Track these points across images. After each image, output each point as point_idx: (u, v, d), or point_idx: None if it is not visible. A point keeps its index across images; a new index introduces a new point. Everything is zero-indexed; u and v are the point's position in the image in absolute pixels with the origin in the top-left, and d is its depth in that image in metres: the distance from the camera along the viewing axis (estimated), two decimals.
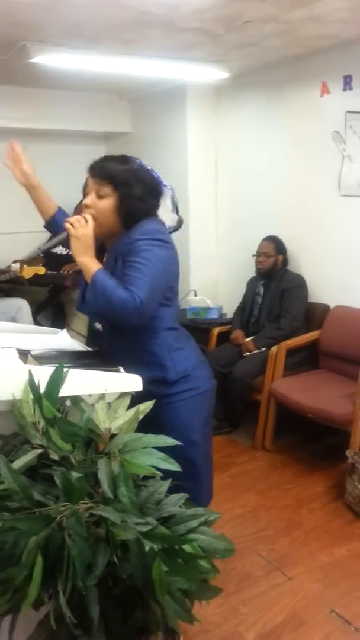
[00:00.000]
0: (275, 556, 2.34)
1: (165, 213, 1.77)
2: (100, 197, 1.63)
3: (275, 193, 3.79)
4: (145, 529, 1.09)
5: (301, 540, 2.45)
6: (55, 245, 1.75)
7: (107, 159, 1.67)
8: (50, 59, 3.01)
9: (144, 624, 1.28)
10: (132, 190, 1.62)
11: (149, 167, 1.72)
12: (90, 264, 1.60)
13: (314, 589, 2.15)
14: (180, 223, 1.85)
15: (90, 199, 1.65)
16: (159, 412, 1.50)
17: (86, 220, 1.61)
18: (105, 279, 1.56)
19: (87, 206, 1.65)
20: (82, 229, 1.59)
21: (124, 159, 1.67)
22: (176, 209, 1.82)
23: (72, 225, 1.60)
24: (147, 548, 1.06)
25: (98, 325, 1.81)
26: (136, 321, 1.56)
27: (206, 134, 4.17)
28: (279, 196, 3.76)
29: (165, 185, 1.75)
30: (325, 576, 2.21)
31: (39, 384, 1.26)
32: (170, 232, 1.80)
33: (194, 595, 1.15)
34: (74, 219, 1.61)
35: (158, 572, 1.06)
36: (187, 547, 1.17)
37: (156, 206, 1.72)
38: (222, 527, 2.46)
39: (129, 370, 1.52)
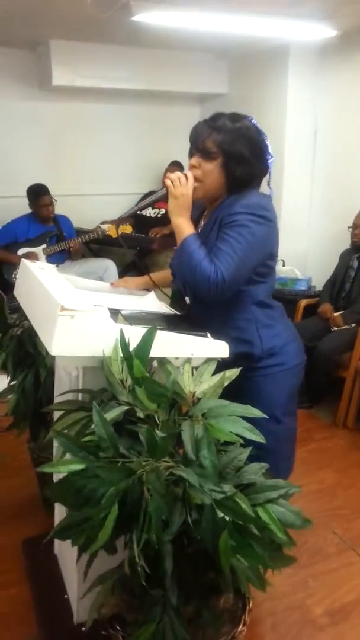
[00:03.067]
0: (349, 535, 2.30)
1: (263, 184, 1.69)
2: (207, 156, 1.57)
3: None
4: (219, 496, 1.09)
5: None
6: (153, 203, 1.72)
7: (217, 116, 1.59)
8: (151, 17, 2.97)
9: (215, 584, 1.31)
10: (241, 152, 1.55)
11: (260, 129, 1.63)
12: (184, 226, 1.56)
13: None
14: (270, 198, 1.74)
15: (196, 159, 1.59)
16: (243, 383, 1.48)
17: (187, 179, 1.56)
18: (195, 246, 1.52)
19: (193, 166, 1.59)
20: (181, 188, 1.55)
21: (235, 117, 1.59)
22: (268, 181, 1.73)
23: (172, 183, 1.56)
24: (220, 516, 1.07)
25: (187, 299, 1.76)
26: (214, 297, 1.52)
27: (308, 97, 3.97)
28: None
29: (269, 155, 1.66)
30: None
31: (129, 343, 1.29)
32: None
33: (267, 563, 1.15)
34: (175, 175, 1.56)
35: (225, 543, 1.07)
36: (264, 516, 1.17)
37: (264, 171, 1.64)
38: (297, 501, 2.40)
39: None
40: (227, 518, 1.10)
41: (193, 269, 1.50)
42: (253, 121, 1.62)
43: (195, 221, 1.63)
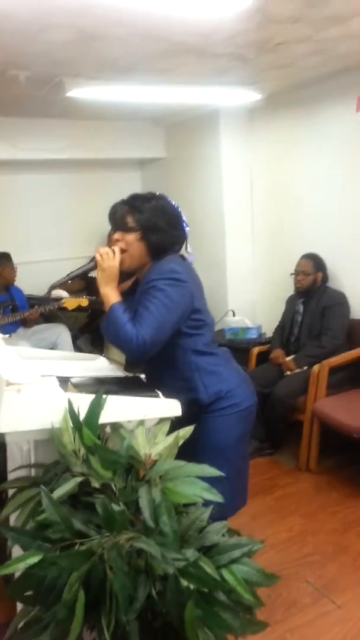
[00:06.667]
0: (322, 582, 2.27)
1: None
2: (127, 231, 1.74)
3: (313, 211, 3.75)
4: (182, 564, 1.08)
5: (350, 565, 2.37)
6: (82, 274, 1.88)
7: (133, 197, 1.78)
8: (85, 92, 3.10)
9: None
10: (156, 224, 1.72)
11: (173, 202, 1.82)
12: (110, 294, 1.70)
13: None
14: (191, 262, 1.94)
15: (118, 233, 1.76)
16: (195, 426, 1.49)
17: (114, 253, 1.71)
18: (119, 313, 1.65)
19: (116, 240, 1.76)
20: (109, 261, 1.70)
21: (149, 196, 1.78)
22: (186, 246, 1.91)
23: (100, 256, 1.71)
24: (184, 585, 1.05)
25: None
26: (138, 356, 1.66)
27: (241, 155, 4.19)
28: (317, 214, 3.72)
29: (184, 222, 1.84)
30: None
31: (78, 412, 1.28)
32: None
33: (237, 630, 1.12)
34: (104, 250, 1.72)
35: (190, 614, 1.04)
36: (229, 578, 1.15)
37: (180, 237, 1.81)
38: (267, 552, 2.41)
39: (165, 394, 1.56)
40: (191, 587, 1.07)
41: (117, 332, 1.62)
42: (167, 198, 1.81)
43: (130, 290, 1.78)
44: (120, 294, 1.72)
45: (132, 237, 1.73)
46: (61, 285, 3.89)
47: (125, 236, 1.74)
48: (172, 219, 1.77)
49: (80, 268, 1.89)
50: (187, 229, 1.84)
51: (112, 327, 1.64)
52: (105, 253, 1.70)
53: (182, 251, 1.86)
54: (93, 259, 1.75)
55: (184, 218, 1.84)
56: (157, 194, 1.81)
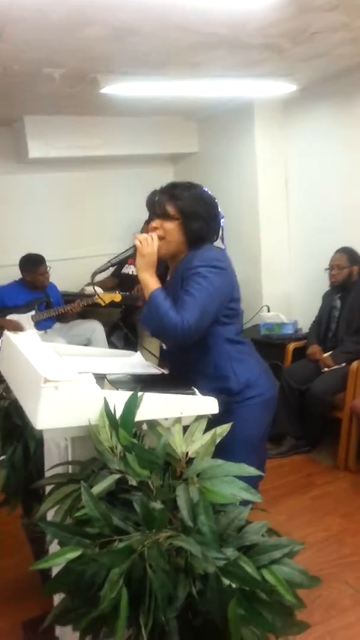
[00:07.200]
0: None
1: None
2: (166, 218, 1.74)
3: (349, 203, 3.67)
4: (222, 563, 1.05)
5: None
6: (124, 260, 1.86)
7: (172, 185, 1.80)
8: (119, 89, 3.10)
9: None
10: (197, 212, 1.74)
11: (211, 194, 1.82)
12: (150, 281, 1.70)
13: None
14: None
15: (157, 221, 1.77)
16: (223, 415, 1.48)
17: (152, 240, 1.71)
18: (161, 299, 1.65)
19: (155, 227, 1.77)
20: (148, 247, 1.70)
21: (188, 185, 1.79)
22: (222, 238, 1.94)
23: (140, 242, 1.71)
24: (225, 584, 1.03)
25: (164, 345, 1.91)
26: (182, 342, 1.67)
27: (275, 148, 4.12)
28: (353, 207, 3.63)
29: (222, 216, 1.87)
30: None
31: (114, 409, 1.27)
32: None
33: (279, 631, 1.10)
34: (143, 237, 1.73)
35: (234, 613, 1.02)
36: (270, 578, 1.12)
37: (217, 229, 1.83)
38: (304, 552, 2.32)
39: (196, 383, 1.57)
40: (233, 585, 1.05)
41: (161, 318, 1.62)
42: (205, 188, 1.82)
43: (160, 276, 1.77)
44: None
45: (171, 224, 1.74)
46: (98, 280, 3.95)
47: (164, 224, 1.74)
48: (211, 208, 1.78)
49: (119, 255, 1.91)
50: (222, 220, 1.85)
51: (155, 313, 1.64)
52: (144, 239, 1.71)
53: (217, 243, 1.86)
54: (133, 246, 1.75)
55: (220, 209, 1.84)
56: (194, 183, 1.81)
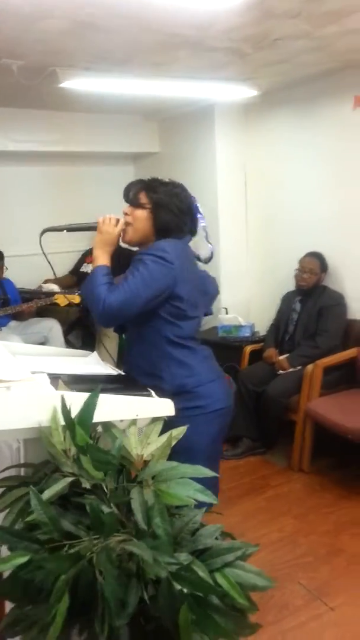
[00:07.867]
0: (315, 584, 2.25)
1: (200, 241, 1.90)
2: (137, 206, 1.78)
3: (310, 209, 3.72)
4: (175, 568, 1.04)
5: (343, 567, 2.35)
6: (80, 229, 1.91)
7: (154, 178, 1.84)
8: (79, 83, 3.05)
9: None
10: (167, 204, 1.76)
11: (191, 195, 1.86)
12: (100, 257, 1.76)
13: (357, 620, 2.04)
14: (212, 253, 2.00)
15: (128, 208, 1.81)
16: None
17: (114, 220, 1.76)
18: (100, 275, 1.70)
19: (125, 213, 1.81)
20: (108, 227, 1.76)
21: (169, 182, 1.83)
22: (206, 238, 1.95)
23: (102, 220, 1.77)
24: (177, 589, 1.01)
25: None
26: (104, 320, 1.72)
27: (235, 152, 4.16)
28: (314, 212, 3.69)
29: (200, 214, 1.88)
30: None
31: (70, 410, 1.24)
32: (206, 262, 1.97)
33: (230, 634, 1.09)
34: (107, 216, 1.77)
35: (184, 618, 1.01)
36: (222, 582, 1.12)
37: (188, 224, 1.83)
38: (258, 553, 2.34)
39: (133, 374, 1.66)
40: (184, 590, 1.04)
41: (92, 291, 1.68)
42: (185, 189, 1.85)
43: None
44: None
45: (141, 212, 1.77)
46: (53, 278, 3.87)
47: (135, 211, 1.78)
48: (184, 205, 1.80)
49: (80, 224, 1.91)
50: (202, 222, 1.88)
51: (89, 285, 1.69)
52: (108, 218, 1.76)
53: (203, 242, 1.90)
54: (96, 222, 1.80)
55: (200, 211, 1.87)
56: (177, 182, 1.85)
